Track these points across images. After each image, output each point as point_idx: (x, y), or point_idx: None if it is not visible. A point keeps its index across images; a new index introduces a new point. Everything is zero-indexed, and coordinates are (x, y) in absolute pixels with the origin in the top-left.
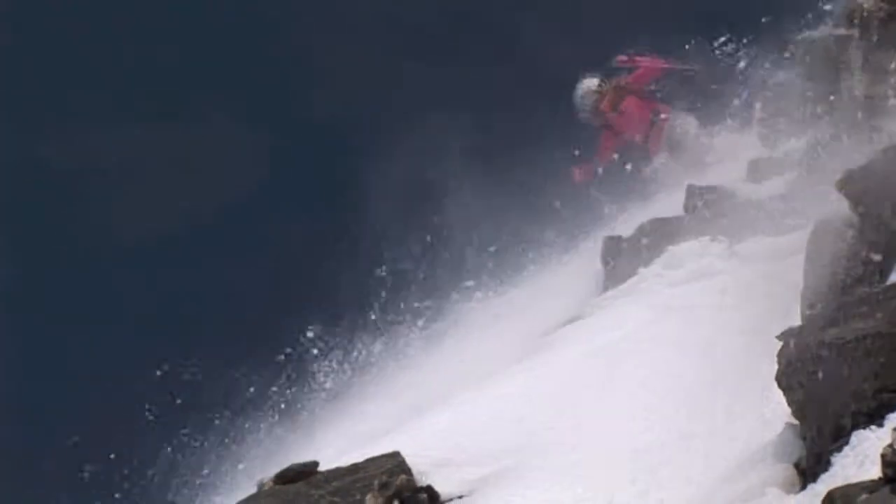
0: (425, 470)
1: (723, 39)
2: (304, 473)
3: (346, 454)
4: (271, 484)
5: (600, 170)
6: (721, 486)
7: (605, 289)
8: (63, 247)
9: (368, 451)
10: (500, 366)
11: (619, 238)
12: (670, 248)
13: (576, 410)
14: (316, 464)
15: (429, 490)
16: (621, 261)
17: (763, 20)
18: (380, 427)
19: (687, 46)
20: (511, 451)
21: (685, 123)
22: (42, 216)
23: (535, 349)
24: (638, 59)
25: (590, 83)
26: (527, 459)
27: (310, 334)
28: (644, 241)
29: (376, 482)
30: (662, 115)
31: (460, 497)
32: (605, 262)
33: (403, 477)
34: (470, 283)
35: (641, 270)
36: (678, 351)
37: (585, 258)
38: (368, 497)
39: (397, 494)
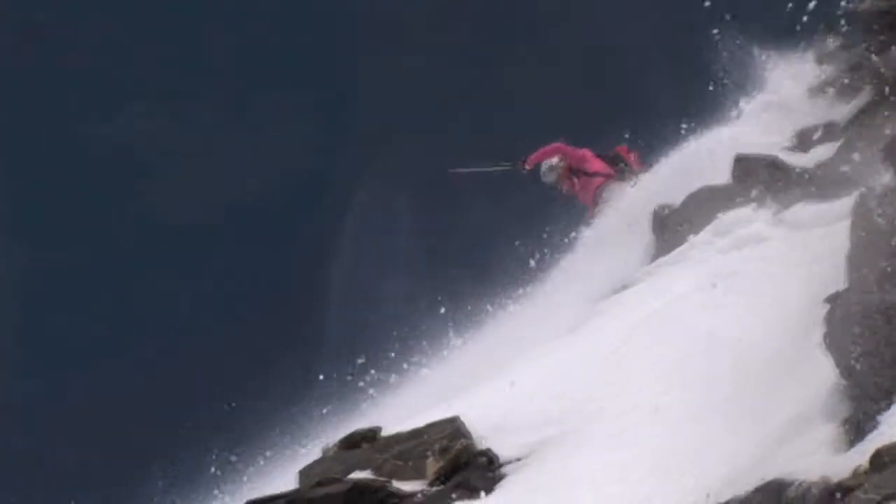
0: (484, 434)
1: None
2: (367, 438)
3: (407, 420)
4: (336, 449)
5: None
6: (771, 446)
7: (655, 257)
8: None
9: (429, 416)
10: (554, 333)
11: (670, 207)
12: (719, 215)
13: (628, 376)
14: (379, 429)
15: (487, 454)
16: (671, 229)
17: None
18: (440, 393)
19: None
20: (566, 416)
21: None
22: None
23: (588, 317)
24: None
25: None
26: (581, 424)
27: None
28: (693, 209)
29: (437, 446)
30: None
31: (518, 460)
32: (655, 231)
33: (463, 441)
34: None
35: (691, 238)
36: (727, 316)
37: (635, 228)
38: (429, 461)
39: (457, 458)
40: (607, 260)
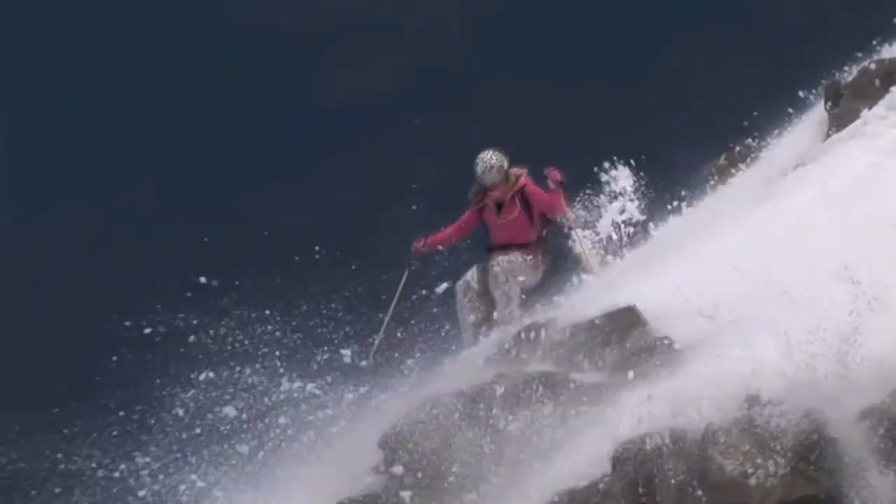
0: (660, 322)
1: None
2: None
3: (583, 310)
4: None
5: None
6: None
7: (829, 134)
8: None
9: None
10: (729, 216)
11: (842, 82)
12: (894, 88)
13: (805, 256)
14: (555, 320)
15: (665, 339)
16: (844, 105)
17: None
18: (618, 282)
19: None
20: (741, 302)
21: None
22: None
23: (762, 198)
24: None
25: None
26: (756, 311)
27: None
28: (866, 83)
29: (614, 336)
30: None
31: (693, 347)
32: (828, 107)
33: (640, 329)
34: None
35: (865, 113)
36: None
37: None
38: (608, 348)
39: (634, 345)
40: (780, 141)
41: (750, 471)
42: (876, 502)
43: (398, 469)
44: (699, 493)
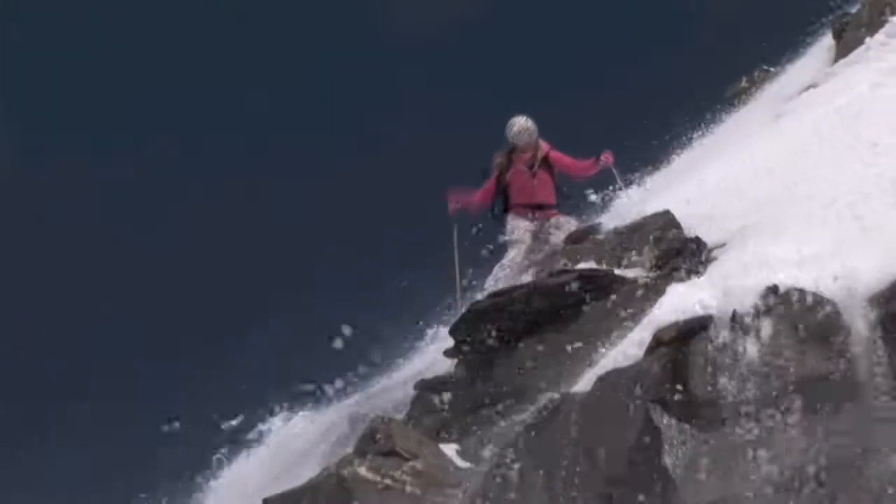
0: (692, 224)
1: None
2: (589, 232)
3: (624, 215)
4: (563, 245)
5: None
6: None
7: (836, 59)
8: None
9: (645, 209)
10: (752, 128)
11: (847, 14)
12: (892, 18)
13: (817, 165)
14: (599, 224)
15: (696, 240)
16: (850, 32)
17: None
18: (653, 190)
19: None
20: (764, 204)
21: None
22: None
23: (781, 113)
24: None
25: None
26: (778, 211)
27: None
28: (868, 13)
29: (651, 237)
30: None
31: (722, 245)
32: (836, 35)
33: (674, 230)
34: None
35: (867, 40)
36: None
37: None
38: (646, 248)
39: (670, 246)
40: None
41: (771, 352)
42: (882, 384)
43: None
44: (728, 371)
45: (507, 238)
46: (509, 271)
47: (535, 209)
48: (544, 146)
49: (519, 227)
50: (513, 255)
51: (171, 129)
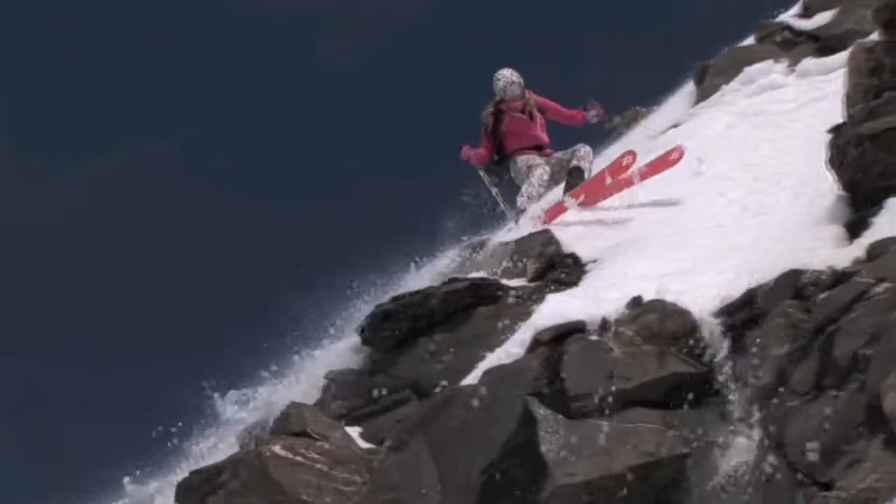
0: (569, 242)
1: None
2: (480, 247)
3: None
4: (456, 255)
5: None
6: (787, 240)
7: (697, 102)
8: None
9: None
10: None
11: (708, 64)
12: (745, 68)
13: (677, 194)
14: (488, 239)
15: (572, 256)
16: (709, 80)
17: None
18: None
19: None
20: (631, 227)
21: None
22: None
23: (649, 149)
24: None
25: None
26: (643, 233)
27: None
28: (725, 64)
29: (534, 252)
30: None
31: (595, 261)
32: (697, 81)
33: (553, 247)
34: None
35: (723, 87)
36: (752, 146)
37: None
38: (529, 261)
39: (549, 260)
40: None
41: (634, 354)
42: (737, 382)
43: None
44: (597, 369)
45: (518, 174)
46: (539, 187)
47: (536, 151)
48: (530, 94)
49: (529, 159)
50: (539, 173)
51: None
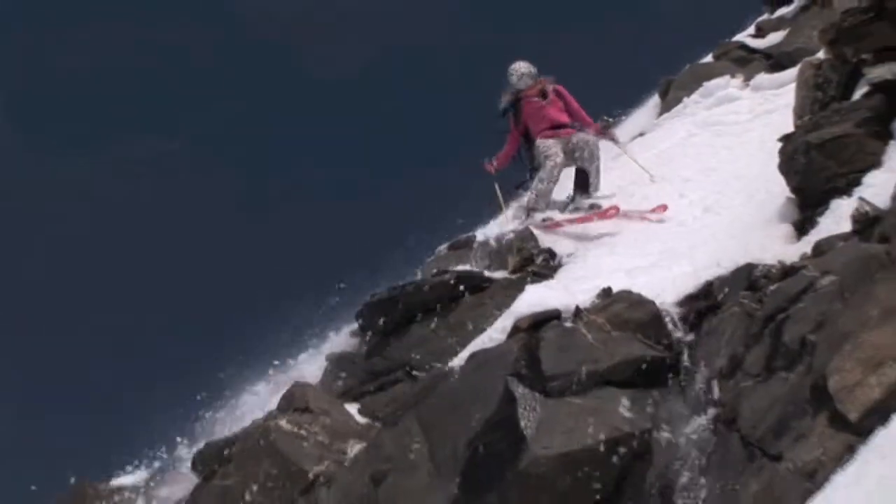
0: (546, 239)
1: None
2: (466, 243)
3: (491, 233)
4: (445, 250)
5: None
6: (742, 238)
7: (661, 114)
8: None
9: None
10: None
11: (672, 79)
12: (705, 83)
13: (645, 195)
14: (474, 237)
15: (549, 251)
16: (672, 93)
17: None
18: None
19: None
20: (601, 226)
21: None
22: None
23: (616, 155)
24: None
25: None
26: (612, 230)
27: None
28: (686, 79)
29: (514, 247)
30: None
31: (570, 255)
32: (661, 94)
33: (532, 243)
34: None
35: (685, 99)
36: (711, 152)
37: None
38: (510, 256)
39: (528, 254)
40: (630, 118)
41: (604, 339)
42: (696, 364)
43: None
44: (571, 353)
45: (539, 161)
46: (548, 183)
47: (557, 129)
48: (543, 80)
49: (550, 146)
50: (550, 166)
51: None
